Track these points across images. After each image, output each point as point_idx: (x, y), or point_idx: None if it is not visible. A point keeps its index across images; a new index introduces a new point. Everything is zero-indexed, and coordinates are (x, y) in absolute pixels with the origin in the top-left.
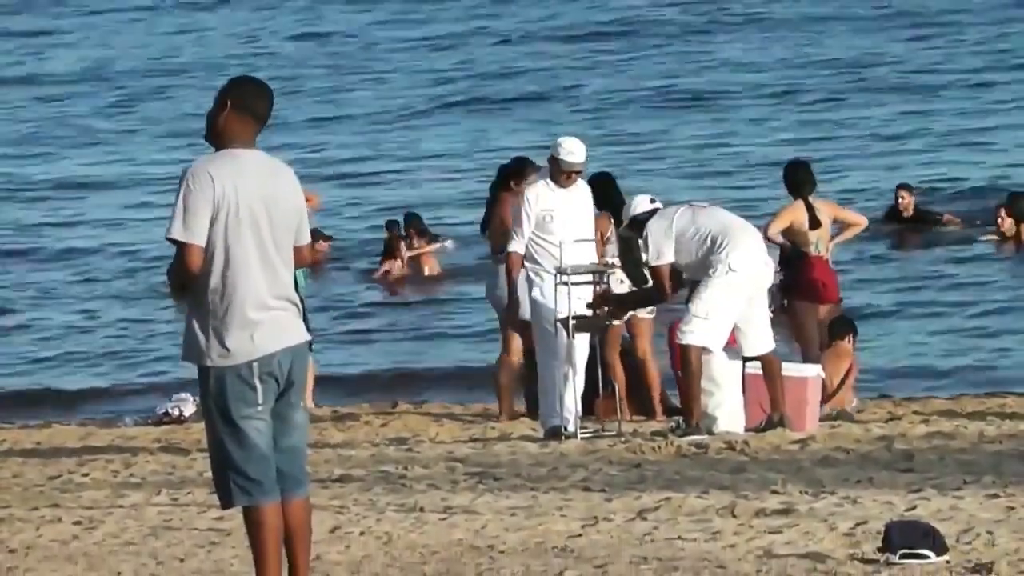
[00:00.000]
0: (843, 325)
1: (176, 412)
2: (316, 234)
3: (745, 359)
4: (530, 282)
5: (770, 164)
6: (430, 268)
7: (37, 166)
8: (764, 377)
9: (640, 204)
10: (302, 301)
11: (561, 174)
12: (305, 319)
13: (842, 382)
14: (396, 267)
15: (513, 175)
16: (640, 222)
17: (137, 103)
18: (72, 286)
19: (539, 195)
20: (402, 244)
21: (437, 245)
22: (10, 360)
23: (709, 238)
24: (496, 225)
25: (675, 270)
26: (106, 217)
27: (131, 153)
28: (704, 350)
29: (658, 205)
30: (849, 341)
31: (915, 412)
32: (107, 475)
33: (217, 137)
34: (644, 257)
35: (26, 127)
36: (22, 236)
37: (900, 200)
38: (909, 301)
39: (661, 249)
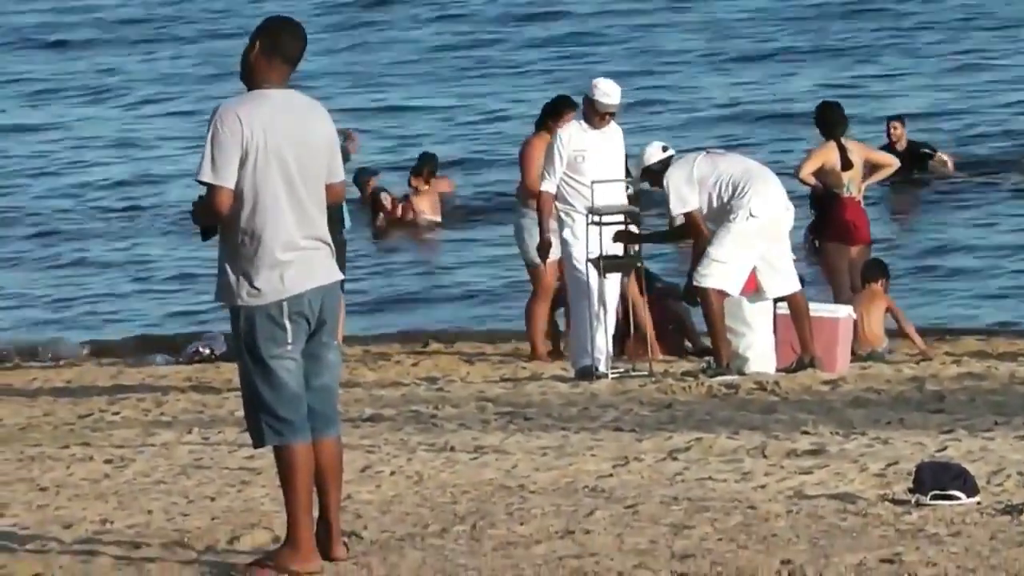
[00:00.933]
0: (875, 268)
1: (207, 351)
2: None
3: (775, 300)
4: (561, 222)
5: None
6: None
7: None
8: (792, 317)
9: (653, 154)
10: (343, 243)
11: (595, 115)
12: (343, 257)
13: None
14: (380, 220)
15: (551, 114)
16: (655, 172)
17: None
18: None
19: (572, 135)
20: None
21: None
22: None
23: (731, 184)
24: (527, 166)
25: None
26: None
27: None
28: (721, 292)
29: (671, 153)
30: (882, 284)
31: (946, 353)
32: (138, 414)
33: (248, 77)
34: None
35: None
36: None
37: (892, 132)
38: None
39: (685, 197)
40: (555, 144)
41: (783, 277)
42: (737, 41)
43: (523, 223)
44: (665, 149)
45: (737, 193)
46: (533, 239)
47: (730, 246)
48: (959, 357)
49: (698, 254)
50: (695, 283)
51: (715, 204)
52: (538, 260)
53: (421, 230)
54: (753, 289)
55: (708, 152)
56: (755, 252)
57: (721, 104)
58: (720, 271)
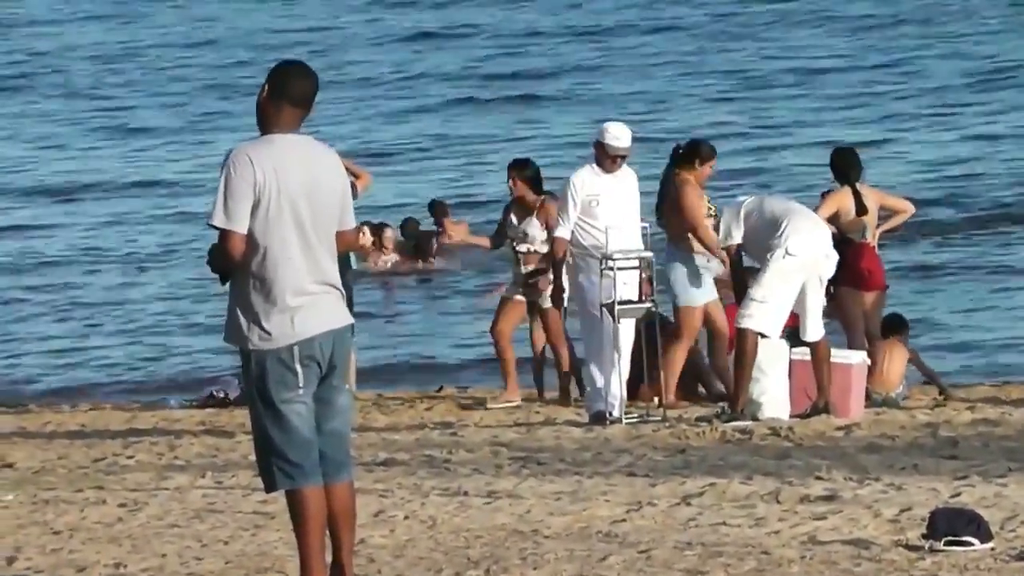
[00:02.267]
0: (898, 323)
1: (221, 394)
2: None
3: (792, 345)
4: (577, 267)
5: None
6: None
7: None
8: (812, 362)
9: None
10: (348, 287)
11: (607, 158)
12: (351, 302)
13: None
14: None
15: (692, 155)
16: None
17: None
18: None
19: (585, 180)
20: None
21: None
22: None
23: (771, 222)
24: (685, 204)
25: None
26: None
27: None
28: (760, 335)
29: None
30: (904, 338)
31: (960, 399)
32: (152, 457)
33: (260, 122)
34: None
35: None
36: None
37: None
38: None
39: (730, 230)
40: (568, 189)
41: (813, 322)
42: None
43: (675, 264)
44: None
45: (776, 232)
46: (682, 279)
47: (768, 286)
48: (973, 403)
49: (735, 286)
50: (736, 324)
51: (757, 241)
52: (687, 301)
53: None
54: (791, 326)
55: (767, 195)
56: (794, 291)
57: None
58: (760, 312)
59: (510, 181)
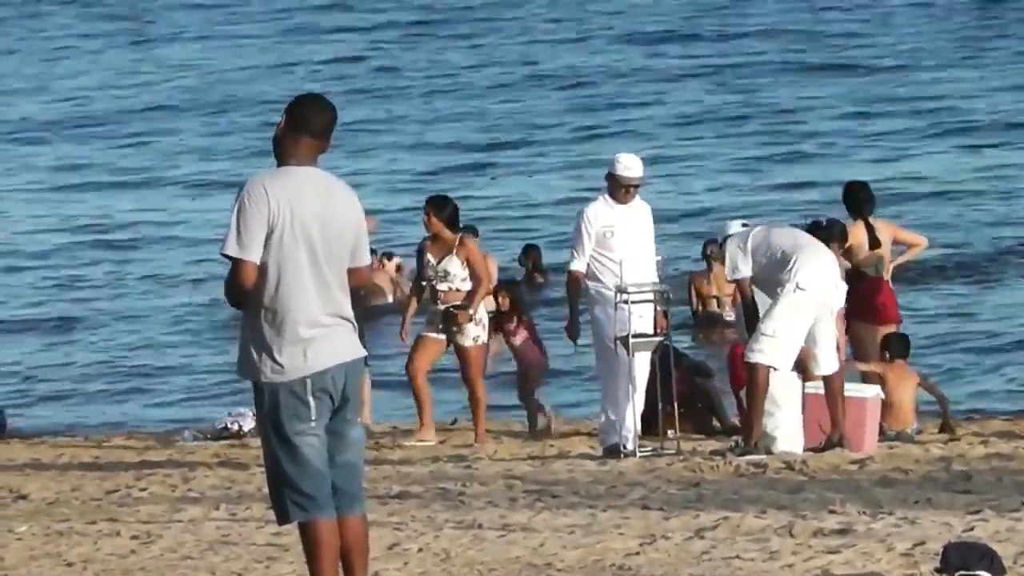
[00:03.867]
0: (903, 344)
1: (235, 426)
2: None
3: (805, 379)
4: (593, 300)
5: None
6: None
7: None
8: (826, 396)
9: (732, 227)
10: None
11: (619, 189)
12: (361, 334)
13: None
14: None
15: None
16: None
17: None
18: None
19: (599, 212)
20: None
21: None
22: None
23: (780, 255)
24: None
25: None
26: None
27: None
28: (771, 368)
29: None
30: (908, 360)
31: (974, 433)
32: (165, 489)
33: (277, 153)
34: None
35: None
36: None
37: None
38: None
39: (737, 265)
40: (581, 222)
41: (826, 356)
42: None
43: None
44: (744, 225)
45: (786, 266)
46: None
47: (779, 320)
48: (986, 437)
49: (745, 319)
50: (746, 359)
51: (767, 274)
52: None
53: None
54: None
55: (770, 224)
56: (805, 325)
57: None
58: (770, 346)
59: (425, 218)
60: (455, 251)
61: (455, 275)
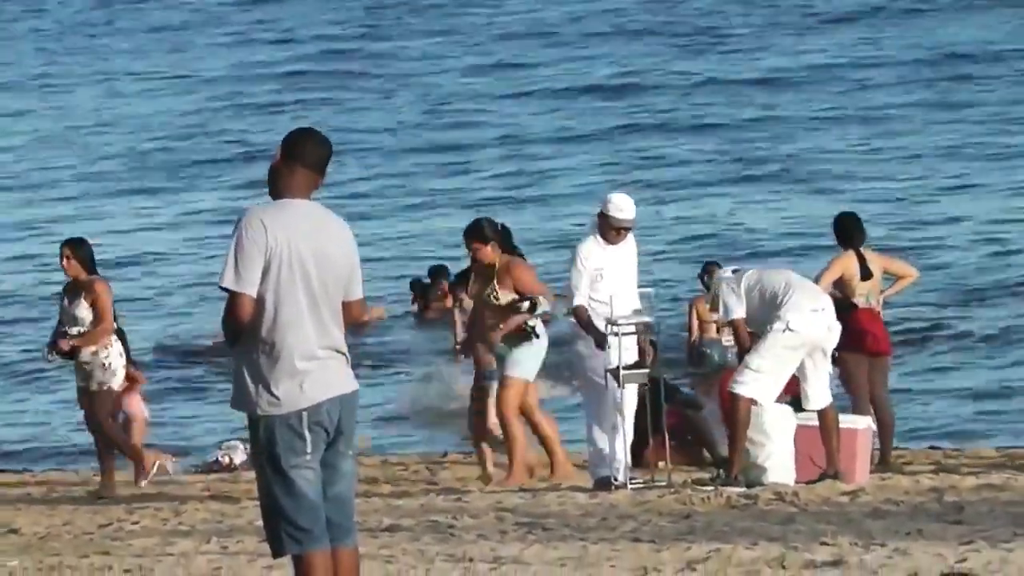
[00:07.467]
0: None
1: (226, 460)
2: None
3: (796, 411)
4: (576, 336)
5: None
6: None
7: None
8: (820, 430)
9: (723, 273)
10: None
11: (611, 230)
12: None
13: None
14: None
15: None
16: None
17: None
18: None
19: (591, 253)
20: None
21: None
22: None
23: (770, 295)
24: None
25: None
26: None
27: None
28: (752, 402)
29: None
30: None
31: (965, 464)
32: (157, 523)
33: (273, 187)
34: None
35: None
36: None
37: None
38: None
39: (731, 306)
40: (577, 259)
41: (817, 390)
42: None
43: None
44: (736, 271)
45: (776, 305)
46: None
47: (767, 358)
48: (978, 468)
49: (739, 359)
50: (729, 388)
51: (757, 313)
52: None
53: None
54: (791, 393)
55: (761, 268)
56: (793, 365)
57: None
58: (755, 381)
59: (63, 261)
60: (83, 294)
61: (84, 319)
